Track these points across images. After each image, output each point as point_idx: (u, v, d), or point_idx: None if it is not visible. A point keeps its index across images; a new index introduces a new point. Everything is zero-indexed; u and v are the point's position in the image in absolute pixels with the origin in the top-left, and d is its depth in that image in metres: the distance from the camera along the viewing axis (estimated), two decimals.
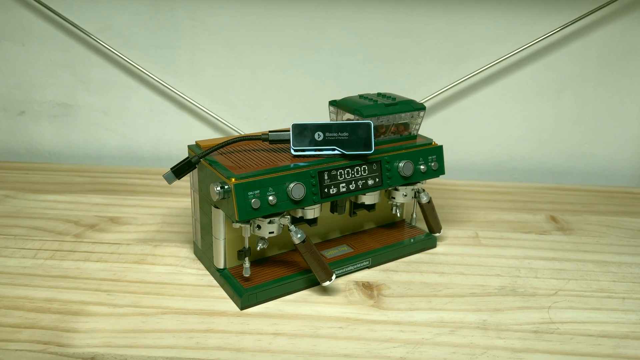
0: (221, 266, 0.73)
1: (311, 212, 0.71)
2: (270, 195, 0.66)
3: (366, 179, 0.73)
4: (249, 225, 0.67)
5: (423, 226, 0.87)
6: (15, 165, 1.13)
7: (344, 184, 0.71)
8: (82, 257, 0.79)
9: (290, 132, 0.71)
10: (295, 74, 1.13)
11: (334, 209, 0.77)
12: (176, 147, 1.18)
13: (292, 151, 0.71)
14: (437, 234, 0.84)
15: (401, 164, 0.75)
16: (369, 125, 0.71)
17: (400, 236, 0.83)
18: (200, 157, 0.70)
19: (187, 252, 0.81)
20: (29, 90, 1.15)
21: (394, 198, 0.80)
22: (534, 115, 1.15)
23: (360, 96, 0.80)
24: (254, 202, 0.65)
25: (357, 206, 0.79)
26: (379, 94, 0.82)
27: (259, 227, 0.68)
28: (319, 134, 0.71)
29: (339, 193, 0.71)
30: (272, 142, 0.72)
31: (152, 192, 1.02)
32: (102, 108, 1.16)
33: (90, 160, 1.20)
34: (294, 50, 1.12)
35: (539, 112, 1.15)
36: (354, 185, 0.72)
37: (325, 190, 0.70)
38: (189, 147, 0.75)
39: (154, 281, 0.74)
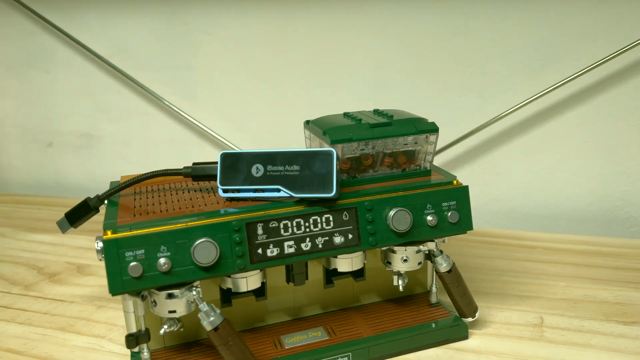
0: (136, 349, 0.53)
1: (243, 283, 0.48)
2: (162, 256, 0.45)
3: (331, 234, 0.49)
4: (139, 299, 0.47)
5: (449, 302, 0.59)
6: (31, 199, 1.05)
7: (291, 242, 0.48)
8: (9, 316, 0.65)
9: (218, 164, 0.50)
10: (327, 93, 0.92)
11: (289, 277, 0.53)
12: None
13: (221, 191, 0.50)
14: (470, 319, 0.56)
15: (392, 213, 0.50)
16: (329, 154, 0.47)
17: (409, 319, 0.57)
18: (102, 199, 0.52)
19: None
20: (55, 120, 1.08)
21: (390, 263, 0.54)
22: None
23: (345, 114, 0.56)
24: (133, 268, 0.44)
25: (332, 273, 0.55)
26: (375, 111, 0.57)
27: (154, 303, 0.47)
28: (257, 168, 0.49)
29: (282, 255, 0.48)
30: (196, 178, 0.51)
31: None
32: (123, 138, 1.05)
33: None
34: (323, 64, 0.90)
35: None
36: (310, 243, 0.48)
37: (259, 250, 0.47)
38: (111, 184, 0.57)
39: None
